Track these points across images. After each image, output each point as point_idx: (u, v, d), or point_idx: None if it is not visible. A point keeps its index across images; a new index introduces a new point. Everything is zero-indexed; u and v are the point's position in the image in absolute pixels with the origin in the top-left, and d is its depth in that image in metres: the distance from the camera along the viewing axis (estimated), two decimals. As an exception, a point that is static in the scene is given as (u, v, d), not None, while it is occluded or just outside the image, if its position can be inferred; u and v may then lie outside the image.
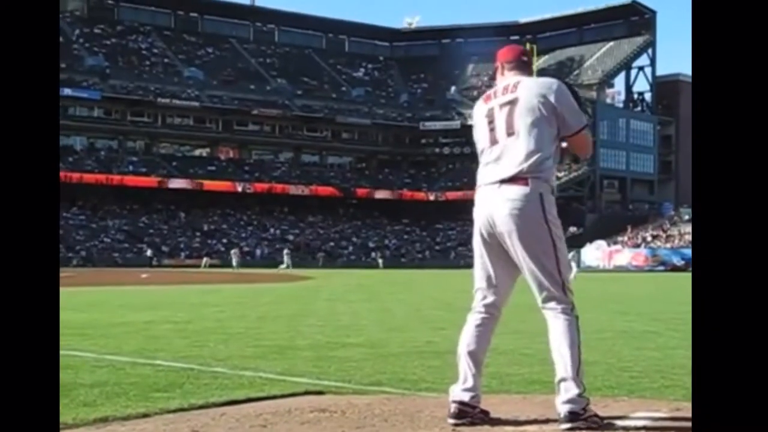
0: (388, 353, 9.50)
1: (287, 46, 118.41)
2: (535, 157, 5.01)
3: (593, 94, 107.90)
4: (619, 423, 5.08)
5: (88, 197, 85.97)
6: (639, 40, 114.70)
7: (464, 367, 5.18)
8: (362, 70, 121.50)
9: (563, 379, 4.93)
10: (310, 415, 5.54)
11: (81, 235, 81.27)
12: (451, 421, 5.10)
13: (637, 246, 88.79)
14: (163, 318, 15.27)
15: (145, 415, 5.63)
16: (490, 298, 5.25)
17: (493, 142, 5.21)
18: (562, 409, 4.88)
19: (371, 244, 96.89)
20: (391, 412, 5.60)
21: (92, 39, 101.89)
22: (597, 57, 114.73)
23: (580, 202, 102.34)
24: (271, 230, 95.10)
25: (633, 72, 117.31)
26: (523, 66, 5.45)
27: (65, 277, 37.10)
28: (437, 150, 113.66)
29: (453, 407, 5.11)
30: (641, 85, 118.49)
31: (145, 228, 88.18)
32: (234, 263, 68.26)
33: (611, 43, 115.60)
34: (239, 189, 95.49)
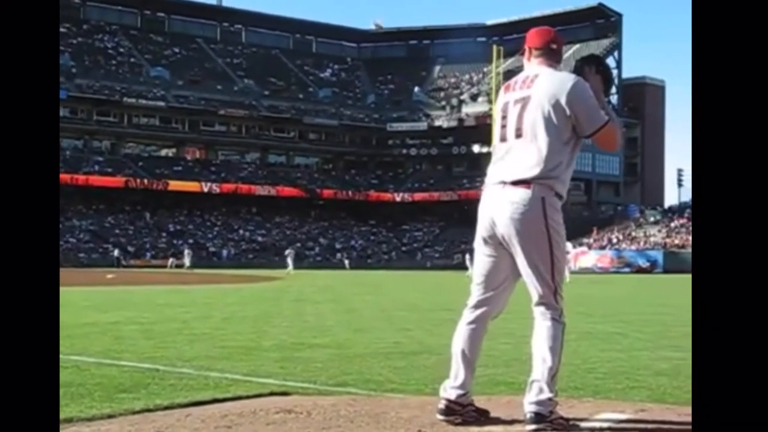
0: (353, 354, 9.51)
1: (254, 46, 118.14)
2: (542, 164, 4.90)
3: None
4: (584, 424, 5.11)
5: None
6: (605, 43, 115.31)
7: (455, 364, 5.18)
8: (329, 70, 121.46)
9: (537, 381, 4.92)
10: (275, 416, 5.54)
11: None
12: (440, 417, 5.11)
13: (603, 248, 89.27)
14: (128, 319, 15.20)
15: (110, 416, 5.61)
16: (487, 295, 5.21)
17: (503, 139, 5.09)
18: (529, 409, 4.87)
19: (338, 245, 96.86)
20: (357, 413, 5.60)
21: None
22: (564, 59, 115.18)
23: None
24: (239, 231, 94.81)
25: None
26: (551, 54, 5.25)
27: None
28: (404, 151, 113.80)
29: (441, 404, 5.14)
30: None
31: (111, 228, 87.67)
32: (187, 262, 68.12)
33: (577, 46, 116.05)
34: (205, 189, 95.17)
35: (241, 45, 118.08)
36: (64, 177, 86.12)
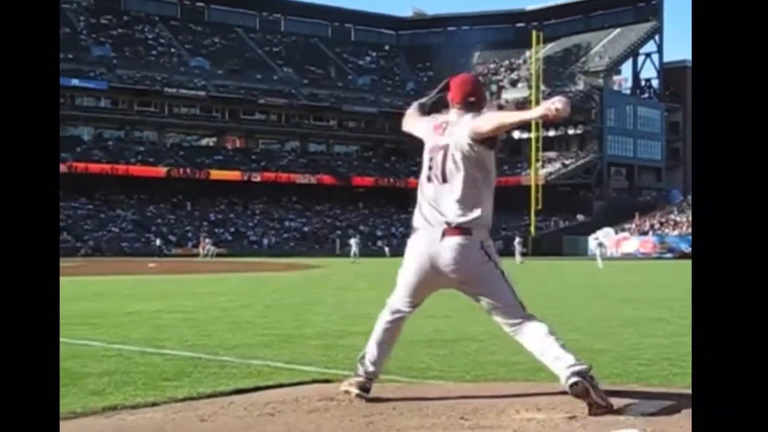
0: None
1: (293, 35, 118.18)
2: (470, 210, 5.24)
3: (600, 81, 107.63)
4: (628, 410, 5.08)
5: (95, 187, 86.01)
6: (646, 27, 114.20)
7: (371, 354, 5.72)
8: (368, 58, 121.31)
9: (564, 368, 5.12)
10: (317, 403, 5.55)
11: (89, 225, 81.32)
12: (356, 391, 5.61)
13: (645, 233, 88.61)
14: (170, 307, 15.30)
15: (154, 404, 5.65)
16: (408, 308, 5.71)
17: (429, 179, 5.41)
18: (567, 372, 5.08)
19: (378, 233, 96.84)
20: (399, 401, 5.61)
21: (99, 29, 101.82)
22: (604, 44, 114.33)
23: (587, 190, 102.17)
24: (279, 219, 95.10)
25: (640, 58, 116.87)
26: (470, 107, 5.46)
27: (73, 267, 37.22)
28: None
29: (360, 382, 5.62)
30: (648, 71, 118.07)
31: (153, 217, 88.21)
32: (202, 252, 68.59)
33: (618, 30, 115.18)
34: (246, 178, 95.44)
35: (280, 34, 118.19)
36: (107, 167, 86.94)
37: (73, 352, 8.30)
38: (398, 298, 5.69)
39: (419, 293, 5.64)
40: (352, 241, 64.26)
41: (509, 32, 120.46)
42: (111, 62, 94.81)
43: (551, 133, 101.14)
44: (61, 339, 9.24)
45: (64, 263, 45.38)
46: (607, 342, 9.52)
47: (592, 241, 57.32)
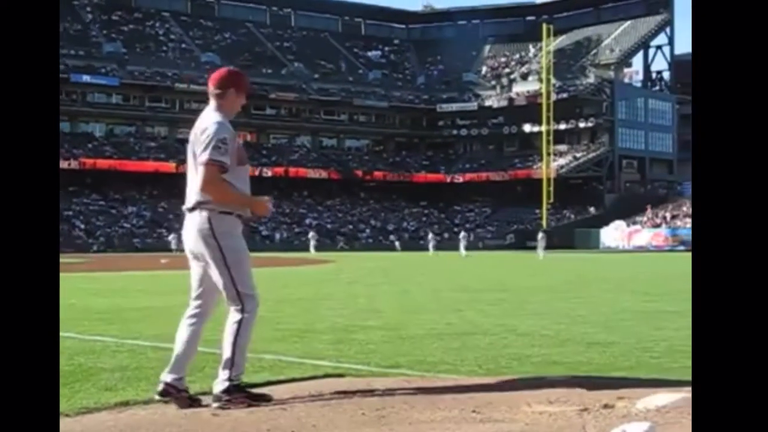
0: (407, 335, 9.52)
1: (304, 29, 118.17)
2: (202, 192, 5.68)
3: (611, 73, 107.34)
4: (639, 403, 5.08)
5: (107, 183, 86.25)
6: (657, 19, 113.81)
7: (176, 355, 5.76)
8: (378, 52, 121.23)
9: (223, 362, 5.62)
10: (330, 397, 5.56)
11: (101, 221, 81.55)
12: (157, 397, 5.61)
13: (657, 226, 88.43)
14: (182, 302, 15.24)
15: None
16: (198, 301, 5.99)
17: (186, 169, 5.92)
18: (215, 389, 5.55)
19: (390, 227, 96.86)
20: (412, 394, 5.61)
21: (110, 25, 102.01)
22: (614, 36, 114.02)
23: (598, 183, 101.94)
24: (291, 214, 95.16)
25: (651, 51, 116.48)
26: (215, 97, 5.98)
27: (85, 263, 37.32)
28: (454, 132, 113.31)
29: (161, 387, 5.62)
30: (659, 64, 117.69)
31: (165, 213, 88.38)
32: (172, 246, 68.89)
33: (629, 22, 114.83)
34: (257, 173, 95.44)
35: (290, 29, 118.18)
36: (119, 163, 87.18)
37: (85, 347, 8.33)
38: (192, 289, 6.15)
39: (201, 280, 6.10)
40: (310, 235, 64.83)
41: (519, 25, 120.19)
42: (122, 58, 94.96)
43: (562, 126, 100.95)
44: (73, 335, 9.29)
45: (77, 259, 45.45)
46: (619, 335, 9.51)
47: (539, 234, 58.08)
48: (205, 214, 5.70)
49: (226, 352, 5.63)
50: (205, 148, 5.65)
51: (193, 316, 5.93)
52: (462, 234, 65.20)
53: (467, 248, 60.11)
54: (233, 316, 5.72)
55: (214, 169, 5.61)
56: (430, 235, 66.08)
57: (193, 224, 5.76)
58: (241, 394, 5.53)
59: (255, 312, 5.77)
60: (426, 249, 65.08)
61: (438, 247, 66.19)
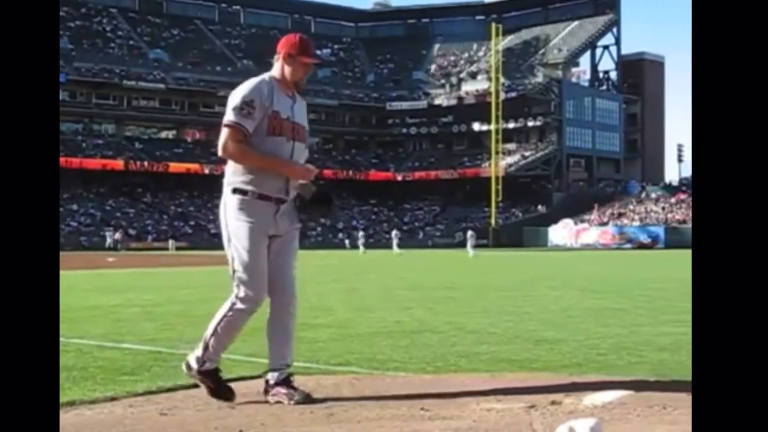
0: (356, 333, 9.51)
1: (253, 27, 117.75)
2: (228, 171, 5.42)
3: (559, 73, 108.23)
4: (586, 399, 5.12)
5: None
6: (604, 19, 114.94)
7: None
8: (328, 50, 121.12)
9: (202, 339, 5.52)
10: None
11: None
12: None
13: (604, 224, 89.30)
14: (129, 301, 15.20)
15: (113, 399, 5.61)
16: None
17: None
18: (189, 357, 5.56)
19: (339, 225, 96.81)
20: (360, 393, 5.61)
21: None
22: (562, 36, 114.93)
23: (547, 181, 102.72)
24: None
25: (598, 51, 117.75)
26: (279, 60, 5.95)
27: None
28: (404, 130, 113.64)
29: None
30: (606, 63, 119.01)
31: (112, 211, 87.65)
32: (110, 243, 68.32)
33: (576, 23, 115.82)
34: (206, 171, 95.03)
35: (239, 26, 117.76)
36: (65, 161, 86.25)
37: (31, 346, 8.21)
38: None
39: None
40: (394, 234, 65.31)
41: (469, 25, 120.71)
42: (69, 54, 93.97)
43: (511, 125, 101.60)
44: (18, 334, 9.17)
45: (22, 258, 45.41)
46: (566, 332, 9.58)
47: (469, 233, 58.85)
48: (227, 191, 5.43)
49: (207, 331, 5.57)
50: (229, 110, 5.25)
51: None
52: (394, 232, 66.12)
53: (399, 246, 60.79)
54: (230, 299, 5.55)
55: (232, 132, 5.20)
56: (394, 232, 66.33)
57: (221, 202, 5.51)
58: (210, 379, 5.48)
59: (248, 309, 5.62)
60: (389, 247, 65.42)
61: (368, 245, 66.59)
